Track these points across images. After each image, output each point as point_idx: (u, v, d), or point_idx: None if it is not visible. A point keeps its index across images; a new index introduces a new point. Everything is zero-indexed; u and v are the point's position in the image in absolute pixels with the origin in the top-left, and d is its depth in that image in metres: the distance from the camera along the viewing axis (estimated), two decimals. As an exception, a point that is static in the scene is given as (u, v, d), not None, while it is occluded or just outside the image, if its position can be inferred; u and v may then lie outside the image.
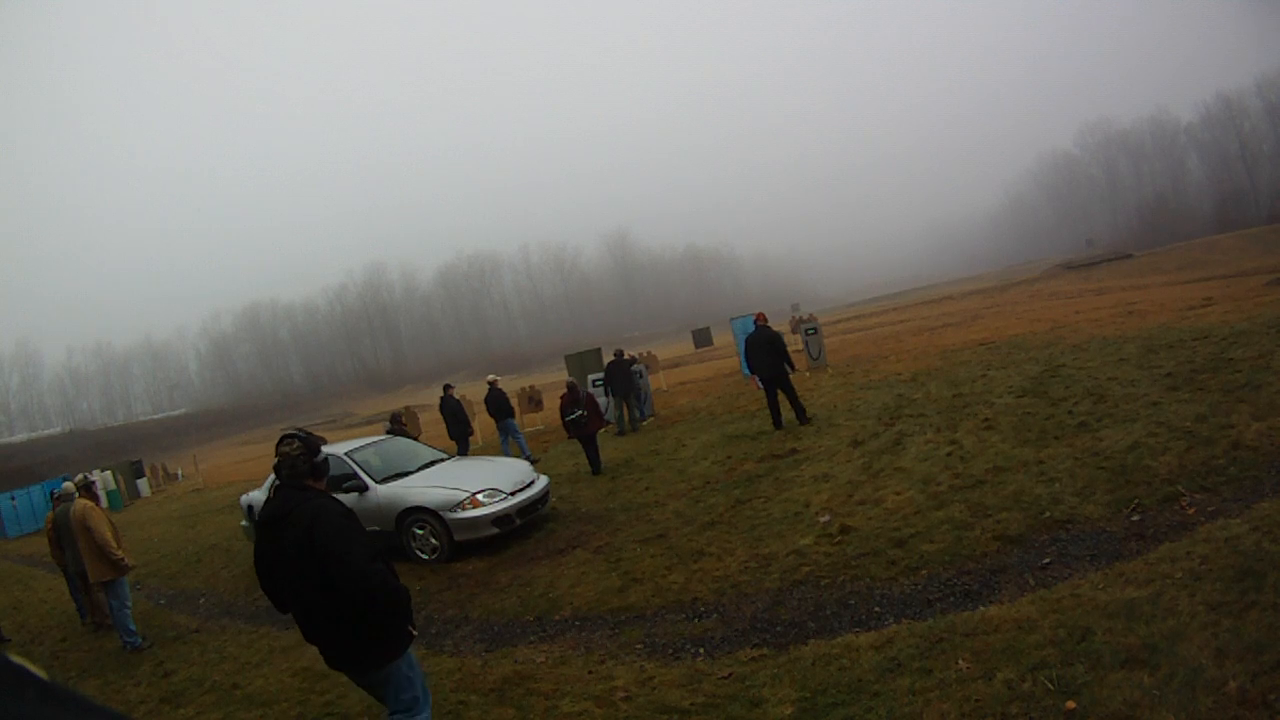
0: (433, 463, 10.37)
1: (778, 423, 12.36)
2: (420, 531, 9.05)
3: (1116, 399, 9.22)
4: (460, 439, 15.63)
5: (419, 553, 9.08)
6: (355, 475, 9.64)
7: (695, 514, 8.60)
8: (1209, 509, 5.48)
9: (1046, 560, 5.31)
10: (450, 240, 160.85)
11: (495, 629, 6.56)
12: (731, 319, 23.70)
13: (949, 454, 8.51)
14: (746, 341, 12.56)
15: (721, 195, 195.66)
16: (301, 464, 3.80)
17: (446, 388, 16.26)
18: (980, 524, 6.20)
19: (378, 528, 9.27)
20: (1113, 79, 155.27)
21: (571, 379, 14.37)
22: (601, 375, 17.48)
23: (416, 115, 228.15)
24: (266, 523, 3.83)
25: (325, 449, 3.97)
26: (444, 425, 15.97)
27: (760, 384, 12.50)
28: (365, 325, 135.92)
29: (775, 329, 12.82)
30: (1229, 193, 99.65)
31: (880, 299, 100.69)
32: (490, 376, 16.25)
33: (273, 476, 4.08)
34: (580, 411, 12.42)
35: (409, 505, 9.10)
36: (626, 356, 17.08)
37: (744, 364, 12.65)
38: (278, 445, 3.83)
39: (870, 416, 11.56)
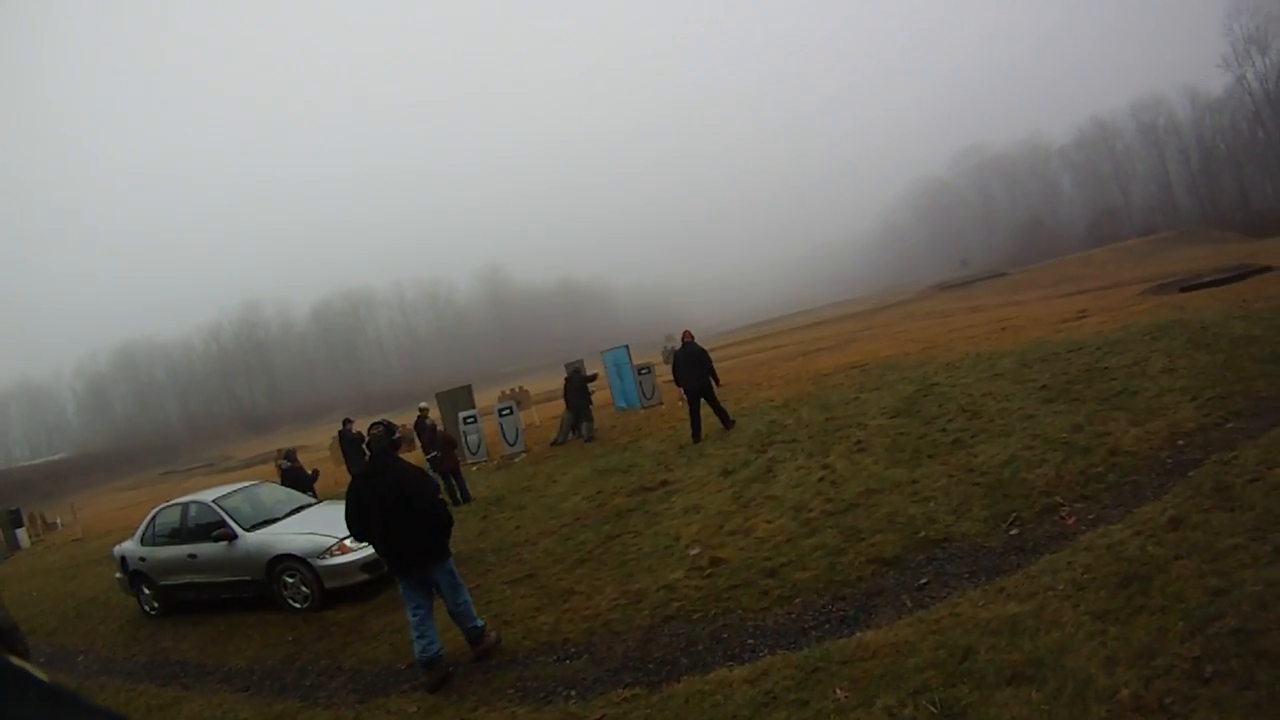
0: (302, 508, 10.52)
1: (697, 435, 13.17)
2: (291, 579, 9.09)
3: (991, 414, 9.57)
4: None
5: (290, 601, 9.08)
6: (223, 523, 9.74)
7: (565, 552, 8.73)
8: (1089, 517, 5.67)
9: (923, 580, 5.36)
10: (324, 274, 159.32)
11: (368, 678, 6.68)
12: (603, 352, 23.67)
13: (821, 479, 8.64)
14: (675, 357, 13.98)
15: (595, 230, 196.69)
16: (385, 441, 6.34)
17: (346, 422, 17.97)
18: (854, 548, 6.27)
19: (248, 577, 9.48)
20: (985, 105, 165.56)
21: (430, 420, 15.49)
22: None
23: (285, 144, 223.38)
24: (368, 475, 6.28)
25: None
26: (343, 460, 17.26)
27: (685, 397, 13.63)
28: (241, 364, 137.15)
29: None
30: (1102, 209, 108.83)
31: (755, 326, 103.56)
32: (423, 404, 16.84)
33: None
34: (435, 452, 14.23)
35: (278, 553, 9.19)
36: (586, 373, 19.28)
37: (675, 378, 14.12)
38: (368, 429, 6.55)
39: (741, 444, 11.68)
